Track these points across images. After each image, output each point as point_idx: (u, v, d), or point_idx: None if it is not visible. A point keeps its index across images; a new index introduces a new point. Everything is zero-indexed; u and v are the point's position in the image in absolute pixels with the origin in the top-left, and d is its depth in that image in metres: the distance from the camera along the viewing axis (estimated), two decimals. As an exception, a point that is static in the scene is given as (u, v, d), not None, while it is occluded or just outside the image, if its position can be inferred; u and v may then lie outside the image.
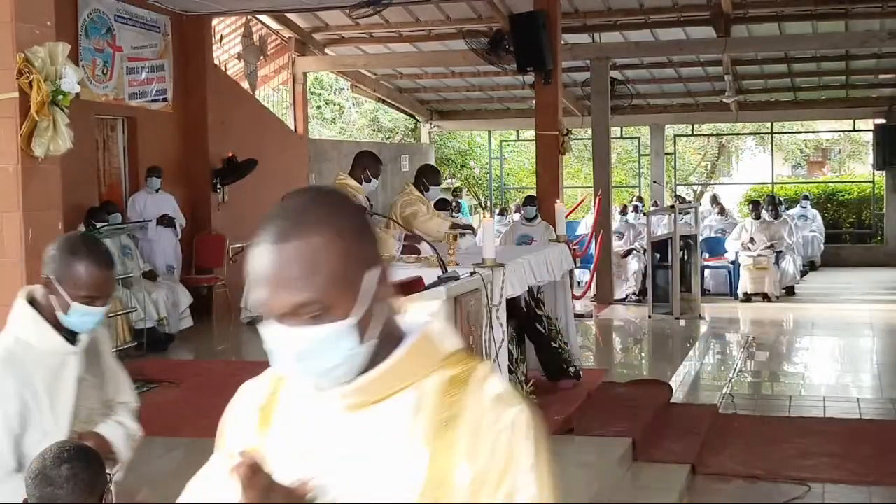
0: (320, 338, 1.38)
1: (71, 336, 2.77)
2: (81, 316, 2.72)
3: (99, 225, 9.27)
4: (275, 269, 1.38)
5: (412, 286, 4.26)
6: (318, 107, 22.59)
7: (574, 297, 9.50)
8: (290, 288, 1.37)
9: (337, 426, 1.45)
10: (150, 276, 9.83)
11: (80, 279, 2.68)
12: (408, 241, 6.49)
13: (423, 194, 7.07)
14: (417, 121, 20.01)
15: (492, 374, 1.46)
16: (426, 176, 7.19)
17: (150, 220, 10.29)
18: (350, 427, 1.44)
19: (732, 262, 14.07)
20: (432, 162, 19.53)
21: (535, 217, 11.27)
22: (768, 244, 13.75)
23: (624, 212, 15.49)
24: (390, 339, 1.45)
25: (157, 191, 10.54)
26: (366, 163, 6.79)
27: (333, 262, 1.37)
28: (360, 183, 6.69)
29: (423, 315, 1.52)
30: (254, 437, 1.53)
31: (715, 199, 18.02)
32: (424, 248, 6.29)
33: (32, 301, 2.77)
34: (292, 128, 14.75)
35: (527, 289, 6.53)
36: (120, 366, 3.08)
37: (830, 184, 22.27)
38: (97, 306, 2.73)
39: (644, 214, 14.54)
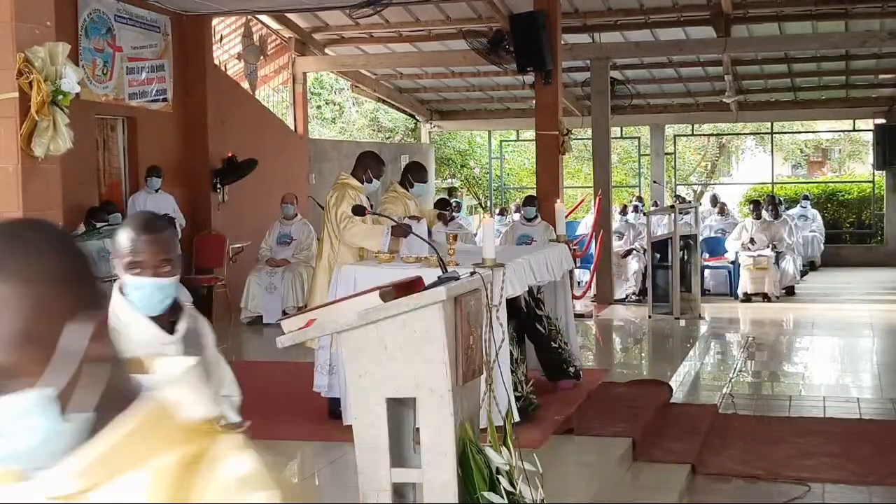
0: (3, 413, 1.11)
1: (170, 327, 2.72)
2: (135, 290, 2.63)
3: (99, 225, 9.27)
4: None
5: (412, 286, 4.26)
6: (318, 107, 22.59)
7: (574, 297, 9.50)
8: None
9: None
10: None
11: (121, 245, 2.63)
12: (394, 235, 6.40)
13: (407, 191, 7.02)
14: (417, 121, 20.00)
15: (233, 451, 1.17)
16: (411, 173, 7.12)
17: None
18: None
19: (732, 262, 14.07)
20: (432, 162, 19.54)
21: (535, 217, 11.28)
22: (768, 244, 13.75)
23: (624, 212, 15.48)
24: (121, 405, 1.17)
25: (156, 191, 10.54)
26: (367, 163, 6.78)
27: (19, 315, 1.11)
28: (362, 183, 6.69)
29: (171, 374, 1.24)
30: None
31: (715, 199, 18.03)
32: (412, 239, 6.23)
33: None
34: (292, 128, 14.75)
35: (527, 289, 6.53)
36: (223, 359, 3.01)
37: (830, 184, 22.28)
38: (146, 276, 2.64)
39: (644, 214, 14.54)
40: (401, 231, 6.22)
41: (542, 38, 10.87)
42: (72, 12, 9.63)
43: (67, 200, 5.63)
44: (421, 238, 5.41)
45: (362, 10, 10.78)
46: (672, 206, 12.78)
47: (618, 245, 13.77)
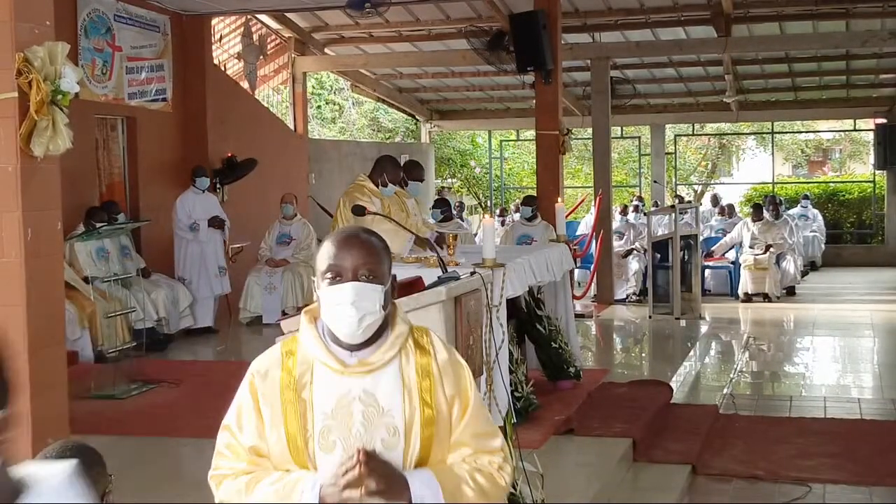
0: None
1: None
2: (329, 308, 2.20)
3: (98, 225, 9.25)
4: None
5: (412, 286, 4.24)
6: (318, 107, 22.58)
7: (574, 297, 9.49)
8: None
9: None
10: (145, 273, 9.72)
11: (321, 255, 2.24)
12: (416, 244, 6.45)
13: (403, 189, 6.92)
14: (417, 121, 19.99)
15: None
16: (406, 171, 7.02)
17: (202, 222, 10.29)
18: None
19: (733, 263, 14.06)
20: (432, 162, 19.51)
21: (534, 217, 11.26)
22: (770, 243, 13.74)
23: (624, 212, 15.46)
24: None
25: (203, 191, 10.50)
26: (385, 167, 6.77)
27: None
28: (377, 186, 6.68)
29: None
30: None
31: (716, 199, 18.01)
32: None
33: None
34: (292, 128, 14.74)
35: (527, 289, 6.52)
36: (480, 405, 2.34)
37: (831, 184, 22.27)
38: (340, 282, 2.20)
39: (644, 214, 14.53)
40: (423, 242, 6.25)
41: (542, 37, 10.86)
42: (71, 12, 9.61)
43: (67, 200, 5.62)
44: (439, 255, 5.25)
45: (361, 10, 10.76)
46: (672, 206, 12.77)
47: (618, 245, 13.76)
